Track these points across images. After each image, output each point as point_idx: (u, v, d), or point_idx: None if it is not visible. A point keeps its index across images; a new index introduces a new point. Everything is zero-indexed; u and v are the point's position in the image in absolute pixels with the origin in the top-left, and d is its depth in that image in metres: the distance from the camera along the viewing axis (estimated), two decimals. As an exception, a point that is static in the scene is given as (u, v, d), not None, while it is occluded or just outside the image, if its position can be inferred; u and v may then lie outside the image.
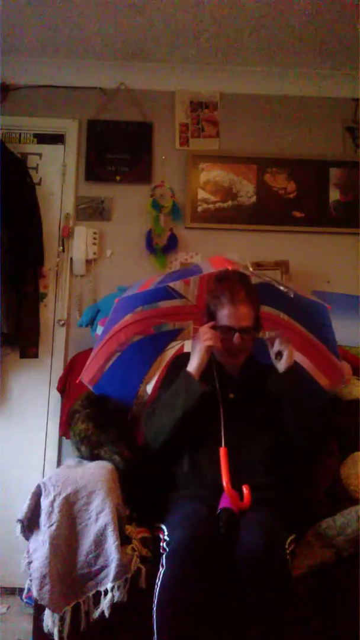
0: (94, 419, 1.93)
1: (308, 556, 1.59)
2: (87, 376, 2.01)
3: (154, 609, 1.39)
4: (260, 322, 1.77)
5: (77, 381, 2.04)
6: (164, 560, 1.44)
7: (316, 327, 1.96)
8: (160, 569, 1.43)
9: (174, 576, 1.40)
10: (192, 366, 1.70)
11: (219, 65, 2.82)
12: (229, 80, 2.88)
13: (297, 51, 2.69)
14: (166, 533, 1.52)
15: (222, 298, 1.71)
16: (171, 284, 1.95)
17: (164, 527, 1.56)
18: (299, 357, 2.05)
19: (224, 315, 1.69)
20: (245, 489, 1.53)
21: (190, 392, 1.65)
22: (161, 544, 1.53)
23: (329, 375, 2.02)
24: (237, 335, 1.68)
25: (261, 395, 1.76)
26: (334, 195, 2.84)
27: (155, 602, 1.40)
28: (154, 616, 1.39)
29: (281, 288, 1.67)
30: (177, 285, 2.06)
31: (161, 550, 1.50)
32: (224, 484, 1.49)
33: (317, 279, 2.72)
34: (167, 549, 1.46)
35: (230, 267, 1.66)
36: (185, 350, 2.17)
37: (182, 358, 1.92)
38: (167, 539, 1.49)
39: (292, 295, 1.67)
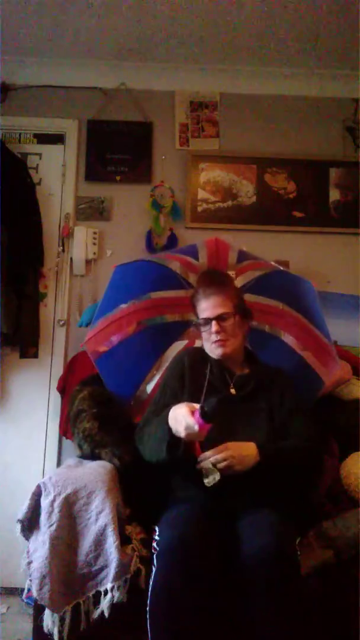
0: (99, 418, 1.93)
1: (309, 556, 1.59)
2: (90, 347, 2.06)
3: (147, 608, 1.40)
4: (247, 309, 1.81)
5: (81, 345, 2.11)
6: (154, 560, 1.45)
7: (307, 309, 2.01)
8: (153, 568, 1.44)
9: (163, 576, 1.40)
10: (174, 428, 1.50)
11: (219, 65, 2.82)
12: (229, 80, 2.88)
13: (297, 51, 2.69)
14: (157, 533, 1.53)
15: (197, 295, 1.80)
16: (179, 272, 2.04)
17: (156, 527, 1.56)
18: (295, 344, 2.07)
19: (201, 309, 1.77)
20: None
21: (159, 452, 1.57)
22: (153, 544, 1.53)
23: (326, 363, 2.04)
24: (213, 323, 1.72)
25: (262, 393, 1.76)
26: (334, 195, 2.84)
27: (148, 602, 1.41)
28: (147, 616, 1.40)
29: (272, 263, 1.86)
30: (186, 274, 2.08)
31: (153, 550, 1.50)
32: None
33: (317, 279, 2.68)
34: (157, 549, 1.46)
35: (219, 241, 1.77)
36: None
37: (188, 353, 1.90)
38: (157, 538, 1.50)
39: (281, 269, 1.83)
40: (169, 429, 1.51)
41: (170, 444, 1.52)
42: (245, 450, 1.56)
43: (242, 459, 1.54)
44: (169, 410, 1.53)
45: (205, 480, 1.50)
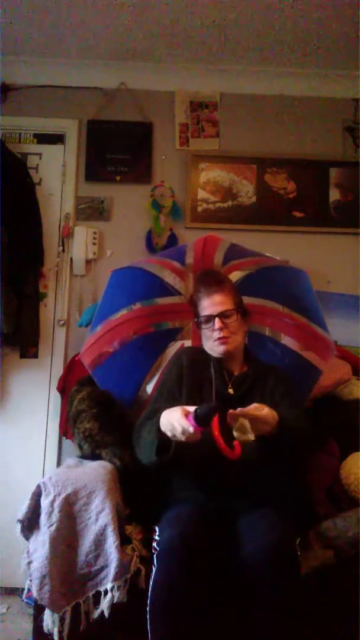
0: (100, 419, 1.93)
1: (309, 557, 1.59)
2: (86, 359, 2.07)
3: (147, 609, 1.40)
4: (246, 309, 1.81)
5: (77, 358, 2.12)
6: (155, 560, 1.45)
7: (304, 304, 2.06)
8: (153, 568, 1.45)
9: (163, 576, 1.40)
10: (170, 433, 1.48)
11: (219, 65, 2.82)
12: (229, 80, 2.88)
13: (297, 51, 2.69)
14: (157, 533, 1.53)
15: (199, 293, 1.80)
16: (170, 282, 2.07)
17: (156, 527, 1.57)
18: (292, 343, 2.09)
19: (203, 307, 1.76)
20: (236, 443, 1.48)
21: (149, 455, 1.57)
22: (153, 544, 1.53)
23: (325, 357, 2.07)
24: (216, 320, 1.72)
25: (257, 391, 1.76)
26: (334, 195, 2.84)
27: (149, 602, 1.41)
28: (147, 616, 1.40)
29: (267, 254, 1.97)
30: (174, 282, 2.11)
31: (153, 550, 1.50)
32: (215, 432, 1.41)
33: (317, 279, 2.71)
34: (157, 549, 1.46)
35: (208, 239, 1.84)
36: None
37: (186, 352, 1.91)
38: (157, 538, 1.50)
39: (278, 258, 1.89)
40: (159, 434, 1.51)
41: (159, 448, 1.52)
42: (274, 413, 1.51)
43: (270, 419, 1.48)
44: (160, 415, 1.53)
45: (237, 434, 1.43)
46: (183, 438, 1.44)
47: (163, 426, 1.50)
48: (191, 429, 1.40)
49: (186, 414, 1.43)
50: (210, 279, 1.82)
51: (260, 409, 1.48)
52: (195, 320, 1.81)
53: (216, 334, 1.73)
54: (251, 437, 1.44)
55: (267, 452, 1.51)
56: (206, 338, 1.78)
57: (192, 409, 1.44)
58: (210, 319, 1.74)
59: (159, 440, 1.51)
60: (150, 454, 1.55)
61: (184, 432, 1.42)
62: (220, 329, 1.72)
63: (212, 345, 1.76)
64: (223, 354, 1.75)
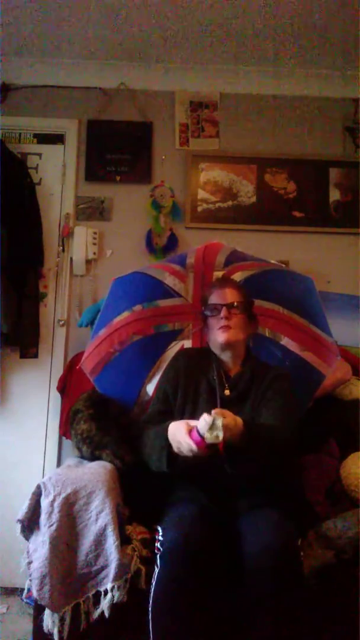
0: (97, 420, 1.92)
1: (309, 557, 1.59)
2: (88, 365, 2.06)
3: (149, 608, 1.41)
4: (252, 311, 1.86)
5: (78, 367, 2.10)
6: (158, 561, 1.46)
7: (307, 307, 2.06)
8: (155, 569, 1.45)
9: (167, 576, 1.41)
10: (176, 448, 1.52)
11: (219, 65, 2.82)
12: (229, 80, 2.88)
13: (297, 51, 2.69)
14: (160, 533, 1.54)
15: (210, 289, 1.87)
16: (170, 284, 2.07)
17: (159, 528, 1.57)
18: (293, 346, 2.11)
19: (212, 300, 1.83)
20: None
21: (160, 466, 1.61)
22: (156, 544, 1.53)
23: (327, 359, 2.06)
24: (223, 309, 1.77)
25: (252, 393, 1.76)
26: (334, 195, 2.84)
27: (151, 602, 1.41)
28: (149, 615, 1.40)
29: (272, 261, 1.99)
30: (174, 284, 2.11)
31: (156, 551, 1.51)
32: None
33: (317, 279, 2.68)
34: (161, 549, 1.47)
35: (208, 247, 1.89)
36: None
37: (184, 354, 1.92)
38: (161, 539, 1.51)
39: (275, 264, 1.99)
40: (167, 447, 1.54)
41: (169, 461, 1.56)
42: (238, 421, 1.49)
43: (234, 427, 1.46)
44: (166, 426, 1.55)
45: (209, 434, 1.41)
46: (190, 455, 1.45)
47: (171, 441, 1.52)
48: (195, 448, 1.42)
49: (190, 430, 1.45)
50: (224, 279, 1.94)
51: (222, 414, 1.45)
52: (202, 310, 1.85)
53: (221, 322, 1.76)
54: (220, 435, 1.40)
55: (233, 459, 1.49)
56: (210, 329, 1.82)
57: (194, 423, 1.46)
58: (216, 307, 1.79)
59: (168, 452, 1.55)
60: (161, 465, 1.58)
61: (191, 450, 1.44)
62: (225, 317, 1.76)
63: (216, 335, 1.79)
64: (225, 343, 1.77)
